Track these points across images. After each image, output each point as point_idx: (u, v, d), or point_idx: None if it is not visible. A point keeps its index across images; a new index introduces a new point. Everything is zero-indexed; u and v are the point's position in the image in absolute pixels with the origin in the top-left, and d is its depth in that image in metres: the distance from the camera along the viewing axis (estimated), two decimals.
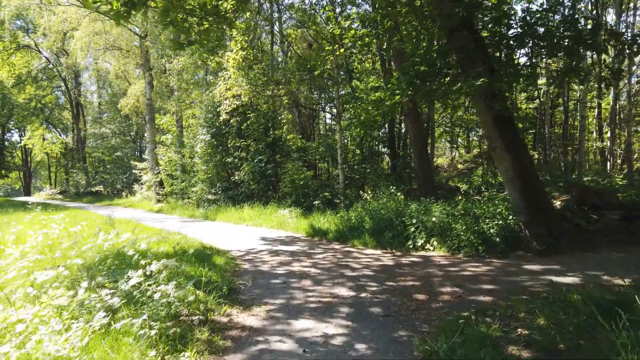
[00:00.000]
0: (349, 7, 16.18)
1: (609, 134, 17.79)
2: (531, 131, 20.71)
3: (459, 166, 25.29)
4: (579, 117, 17.10)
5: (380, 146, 22.79)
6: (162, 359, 3.48)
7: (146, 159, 25.81)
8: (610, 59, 16.56)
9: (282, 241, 10.26)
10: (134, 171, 28.40)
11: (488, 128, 8.63)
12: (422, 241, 8.97)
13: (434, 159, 24.61)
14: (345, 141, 20.13)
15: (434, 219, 8.98)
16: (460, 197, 10.92)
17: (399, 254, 8.48)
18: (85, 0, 4.81)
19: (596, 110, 20.30)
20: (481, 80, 6.65)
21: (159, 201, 22.95)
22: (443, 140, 32.05)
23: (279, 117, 16.93)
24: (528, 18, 8.07)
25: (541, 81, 17.42)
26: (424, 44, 8.81)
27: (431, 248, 8.82)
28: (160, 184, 23.32)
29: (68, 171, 41.80)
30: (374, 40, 12.14)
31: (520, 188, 8.38)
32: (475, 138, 30.41)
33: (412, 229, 9.34)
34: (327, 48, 13.66)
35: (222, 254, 8.32)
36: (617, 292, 4.68)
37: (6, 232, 7.98)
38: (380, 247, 9.17)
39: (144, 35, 21.31)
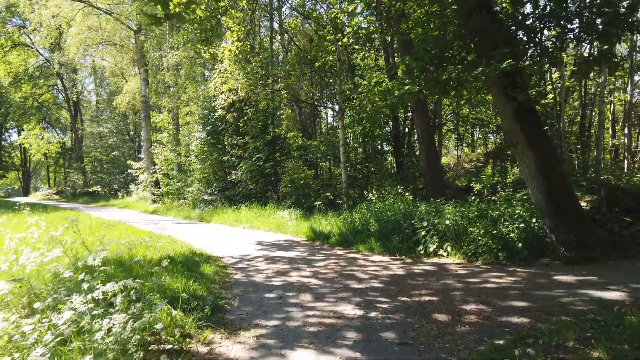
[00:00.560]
0: None
1: (625, 131, 16.88)
2: (544, 128, 19.76)
3: (465, 165, 24.42)
4: (590, 113, 16.25)
5: (383, 145, 21.94)
6: None
7: (142, 158, 24.98)
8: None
9: (280, 246, 9.41)
10: (129, 171, 27.57)
11: (508, 121, 7.76)
12: (435, 246, 8.12)
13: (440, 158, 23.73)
14: (348, 139, 19.27)
15: (447, 221, 8.12)
16: (473, 198, 10.05)
17: (409, 261, 7.62)
18: None
19: (612, 106, 19.40)
20: (507, 62, 5.77)
21: (154, 202, 22.12)
22: (447, 139, 31.14)
23: (279, 113, 16.07)
24: None
25: (555, 75, 16.54)
26: (435, 32, 7.95)
27: (444, 254, 7.96)
28: (156, 184, 22.49)
29: (65, 171, 41.01)
30: (379, 30, 11.26)
31: (545, 188, 7.50)
32: (480, 136, 29.53)
33: (423, 233, 8.49)
34: (328, 37, 12.80)
35: (212, 262, 7.48)
36: None
37: None
38: (387, 252, 8.31)
39: (137, 29, 20.47)
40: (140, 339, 3.21)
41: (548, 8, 6.70)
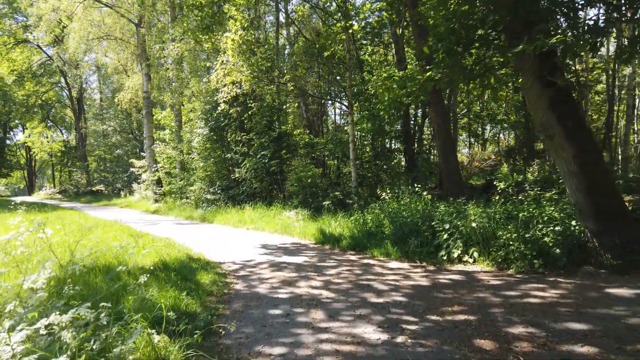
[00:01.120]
0: None
1: None
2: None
3: (476, 164, 23.47)
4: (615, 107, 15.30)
5: (392, 142, 21.08)
6: None
7: (145, 156, 24.29)
8: None
9: (287, 250, 8.59)
10: (131, 169, 26.90)
11: (543, 111, 6.89)
12: (459, 252, 7.27)
13: None
14: (356, 137, 18.42)
15: (473, 224, 7.27)
16: (496, 197, 9.17)
17: (431, 268, 6.78)
18: None
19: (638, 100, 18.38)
20: (557, 37, 4.90)
21: (156, 201, 21.41)
22: (459, 136, 30.18)
23: (285, 107, 15.23)
24: None
25: (579, 66, 15.58)
26: (465, 7, 7.08)
27: (470, 260, 7.11)
28: (158, 182, 21.77)
29: (69, 170, 40.51)
30: (393, 16, 10.43)
31: (586, 186, 6.63)
32: (490, 134, 28.57)
33: (445, 236, 7.64)
34: (338, 25, 11.96)
35: (211, 268, 6.69)
36: None
37: None
38: (406, 258, 7.48)
39: (138, 21, 19.75)
40: None
41: None
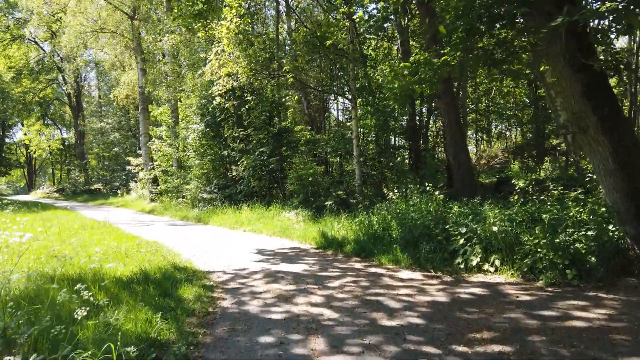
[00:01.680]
0: None
1: None
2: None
3: (483, 161, 22.60)
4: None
5: (398, 139, 20.26)
6: None
7: (141, 154, 23.53)
8: None
9: (285, 256, 7.78)
10: (127, 167, 26.15)
11: (575, 99, 6.05)
12: (478, 259, 6.45)
13: None
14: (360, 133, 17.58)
15: (494, 228, 6.44)
16: (515, 197, 8.32)
17: (448, 279, 5.96)
18: None
19: None
20: (610, 3, 4.06)
21: (152, 200, 20.65)
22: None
23: (284, 99, 14.37)
24: None
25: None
26: None
27: (491, 269, 6.29)
28: (154, 181, 21.00)
29: (67, 168, 39.83)
30: (399, 4, 9.59)
31: (625, 186, 5.80)
32: (496, 131, 27.68)
33: (461, 241, 6.82)
34: (342, 10, 11.12)
35: (197, 280, 5.89)
36: None
37: None
38: (417, 266, 6.66)
39: (133, 13, 18.95)
40: None
41: None
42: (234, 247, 8.80)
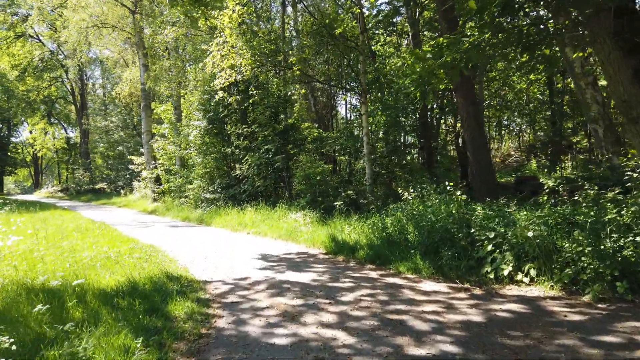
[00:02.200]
0: None
1: None
2: None
3: (497, 160, 21.75)
4: None
5: (408, 136, 19.47)
6: None
7: (143, 152, 22.93)
8: None
9: (291, 262, 7.06)
10: (129, 166, 25.58)
11: (624, 86, 5.27)
12: (510, 268, 5.69)
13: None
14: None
15: (529, 233, 5.67)
16: (544, 197, 7.54)
17: (478, 292, 5.21)
18: None
19: None
20: None
21: (154, 200, 20.04)
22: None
23: (290, 93, 13.61)
24: None
25: None
26: None
27: (526, 280, 5.53)
28: (157, 180, 20.37)
29: (72, 168, 39.46)
30: None
31: None
32: (508, 128, 26.80)
33: (489, 248, 6.06)
34: None
35: (192, 292, 5.19)
36: None
37: None
38: (441, 275, 5.92)
39: (134, 7, 18.32)
40: None
41: None
42: (236, 251, 8.10)
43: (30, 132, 39.02)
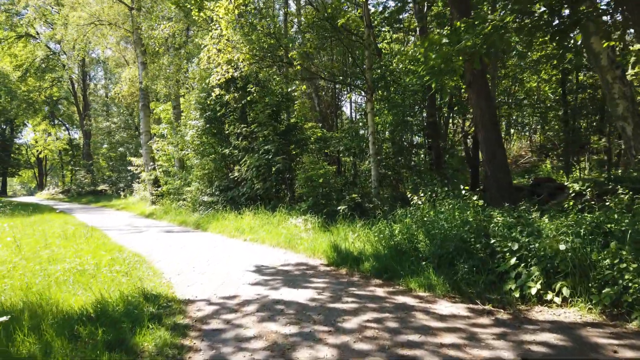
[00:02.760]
0: None
1: None
2: None
3: (508, 160, 20.87)
4: None
5: (415, 136, 18.69)
6: None
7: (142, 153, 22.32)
8: None
9: (288, 276, 6.32)
10: (129, 168, 25.00)
11: None
12: (538, 286, 4.93)
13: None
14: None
15: (561, 245, 4.92)
16: (570, 203, 6.76)
17: (503, 315, 4.46)
18: None
19: None
20: None
21: (153, 203, 19.39)
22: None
23: (291, 90, 12.86)
24: None
25: None
26: None
27: (557, 300, 4.77)
28: (155, 182, 19.74)
29: (73, 169, 39.03)
30: None
31: None
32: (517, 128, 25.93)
33: (512, 261, 5.31)
34: None
35: (170, 315, 4.49)
36: None
37: None
38: (457, 293, 5.18)
39: (131, 3, 17.69)
40: None
41: None
42: (229, 262, 7.38)
43: (32, 134, 38.61)
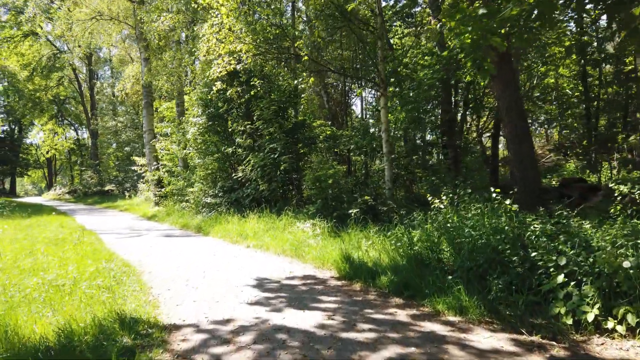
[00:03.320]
0: None
1: None
2: None
3: None
4: None
5: (429, 134, 17.78)
6: None
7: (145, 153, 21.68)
8: None
9: (294, 292, 5.49)
10: (132, 168, 24.41)
11: None
12: (596, 311, 4.04)
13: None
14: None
15: (626, 263, 4.04)
16: (618, 208, 5.85)
17: (557, 350, 3.59)
18: None
19: None
20: None
21: (157, 204, 18.72)
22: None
23: (297, 82, 12.00)
24: None
25: None
26: None
27: (619, 329, 3.89)
28: (159, 182, 19.05)
29: (80, 169, 38.69)
30: None
31: None
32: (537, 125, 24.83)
33: (559, 278, 4.42)
34: None
35: (147, 347, 3.70)
36: None
37: None
38: (495, 317, 4.32)
39: None
40: None
41: None
42: (228, 274, 6.58)
43: (39, 133, 38.35)
